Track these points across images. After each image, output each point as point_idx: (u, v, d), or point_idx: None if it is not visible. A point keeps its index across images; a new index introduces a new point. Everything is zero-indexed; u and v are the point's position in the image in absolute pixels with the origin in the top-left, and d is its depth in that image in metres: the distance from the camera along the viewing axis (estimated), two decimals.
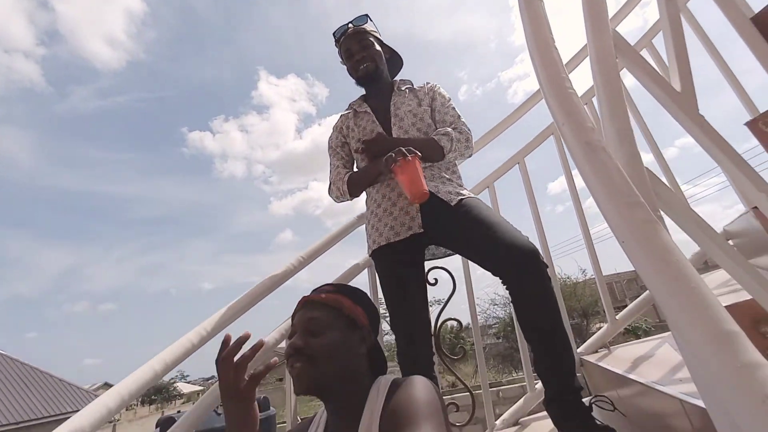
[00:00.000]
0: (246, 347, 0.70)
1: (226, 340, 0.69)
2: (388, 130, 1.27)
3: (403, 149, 1.09)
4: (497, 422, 1.37)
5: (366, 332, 0.80)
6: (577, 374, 1.36)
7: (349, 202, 1.32)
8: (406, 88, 1.36)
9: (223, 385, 0.67)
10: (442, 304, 1.45)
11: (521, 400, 1.40)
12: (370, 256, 1.27)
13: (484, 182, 1.66)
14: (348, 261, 1.44)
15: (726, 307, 0.66)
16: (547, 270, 0.98)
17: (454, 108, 1.34)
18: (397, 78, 1.44)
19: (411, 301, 1.15)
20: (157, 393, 35.48)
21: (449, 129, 1.25)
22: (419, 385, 0.70)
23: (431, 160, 1.22)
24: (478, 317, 1.51)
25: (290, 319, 0.85)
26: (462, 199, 1.13)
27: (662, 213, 0.57)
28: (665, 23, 0.80)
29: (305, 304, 0.81)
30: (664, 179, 0.98)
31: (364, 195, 1.33)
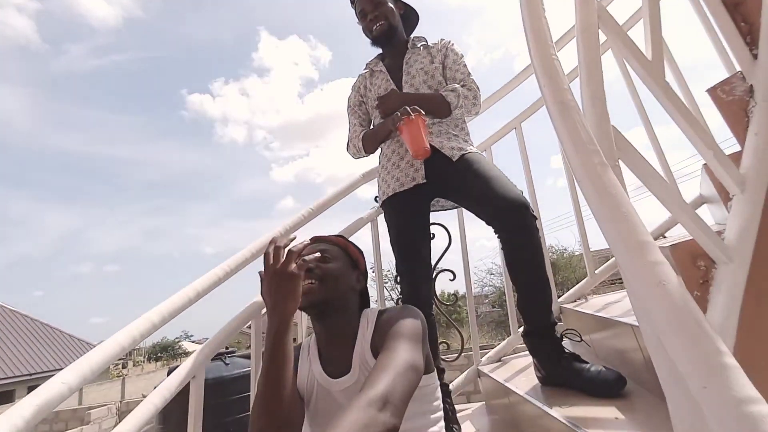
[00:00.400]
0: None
1: (273, 240, 0.76)
2: (401, 88, 1.36)
3: (408, 108, 1.18)
4: (482, 359, 1.54)
5: (362, 275, 0.94)
6: (559, 322, 1.52)
7: (365, 158, 1.47)
8: (421, 45, 1.42)
9: (275, 268, 0.73)
10: (439, 255, 1.60)
11: (505, 341, 1.57)
12: (380, 207, 1.40)
13: (482, 145, 1.76)
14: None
15: (671, 246, 0.80)
16: (535, 222, 1.11)
17: (465, 65, 1.39)
18: (413, 35, 1.48)
19: (416, 247, 1.28)
20: (162, 351, 36.81)
21: (457, 86, 1.31)
22: (405, 309, 0.83)
23: (438, 116, 1.30)
24: (474, 286, 1.66)
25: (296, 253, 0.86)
26: (464, 154, 1.24)
27: (621, 163, 0.69)
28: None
29: (317, 240, 0.93)
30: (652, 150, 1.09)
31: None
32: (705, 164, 0.90)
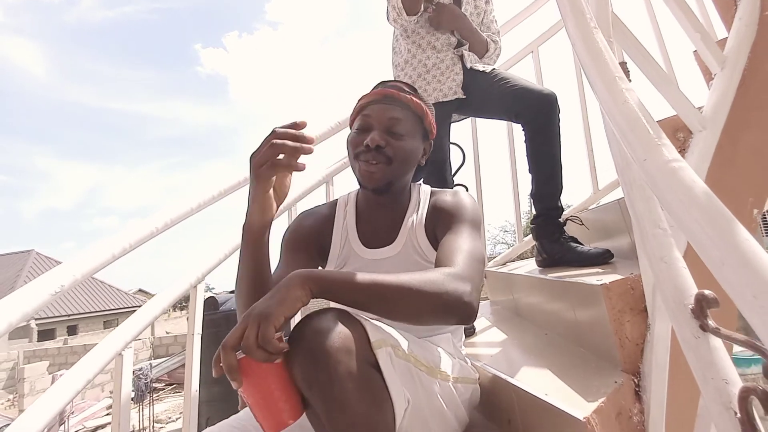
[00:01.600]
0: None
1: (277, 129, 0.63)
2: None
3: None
4: (490, 263, 1.72)
5: (430, 146, 0.85)
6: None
7: None
8: None
9: (264, 156, 0.60)
10: (454, 171, 1.74)
11: (510, 249, 1.73)
12: None
13: (503, 66, 1.84)
14: None
15: (657, 121, 0.92)
16: (560, 116, 1.24)
17: (496, 23, 1.53)
18: None
19: (445, 153, 1.43)
20: (187, 301, 38.77)
21: (497, 39, 1.49)
22: (462, 193, 0.82)
23: (473, 51, 1.44)
24: (488, 243, 1.80)
25: (356, 108, 0.83)
26: (494, 69, 1.41)
27: (613, 40, 0.80)
28: None
29: (388, 98, 0.79)
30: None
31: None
32: (695, 51, 0.99)
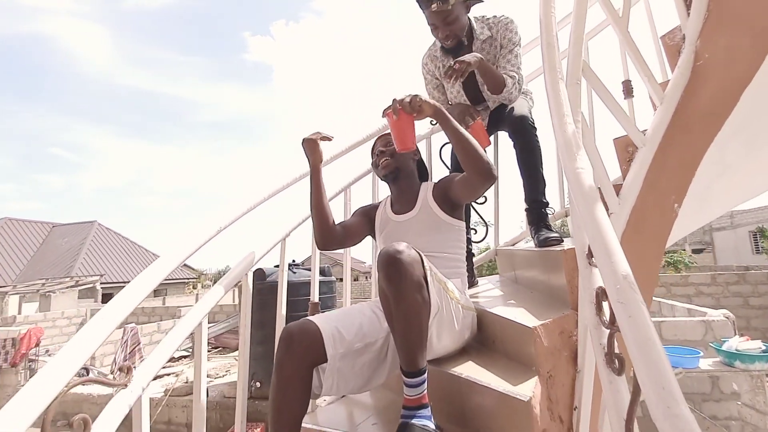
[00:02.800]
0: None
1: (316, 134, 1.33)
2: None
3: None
4: (501, 243, 2.10)
5: (417, 153, 1.43)
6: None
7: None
8: (485, 39, 1.61)
9: (310, 143, 1.31)
10: None
11: (518, 234, 2.10)
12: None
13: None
14: None
15: (613, 139, 1.28)
16: (535, 131, 1.60)
17: (516, 56, 1.62)
18: (474, 16, 1.61)
19: None
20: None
21: (514, 76, 1.58)
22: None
23: (491, 89, 1.59)
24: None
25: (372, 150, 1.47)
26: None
27: (582, 80, 1.16)
28: None
29: (383, 137, 1.45)
30: None
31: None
32: (624, 81, 1.31)
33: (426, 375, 0.98)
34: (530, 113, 1.64)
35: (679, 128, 1.15)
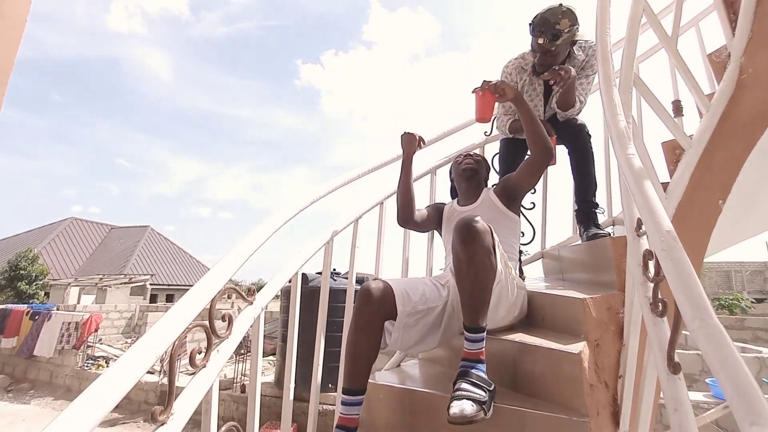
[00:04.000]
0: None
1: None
2: (546, 101, 1.87)
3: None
4: (547, 246, 2.22)
5: (488, 172, 1.74)
6: None
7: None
8: (579, 62, 1.73)
9: (409, 137, 1.66)
10: None
11: (566, 239, 2.21)
12: (502, 139, 2.09)
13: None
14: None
15: (662, 142, 1.43)
16: (590, 138, 1.76)
17: (590, 83, 1.80)
18: (579, 42, 1.70)
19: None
20: (259, 290, 41.91)
21: (583, 101, 1.79)
22: None
23: (562, 106, 1.77)
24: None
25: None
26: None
27: (634, 89, 1.33)
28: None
29: (469, 154, 1.72)
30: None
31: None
32: (673, 101, 1.45)
33: (485, 334, 1.14)
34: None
35: (723, 133, 1.28)
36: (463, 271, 1.14)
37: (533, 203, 2.31)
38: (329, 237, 1.49)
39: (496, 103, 1.66)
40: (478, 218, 1.15)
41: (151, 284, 15.64)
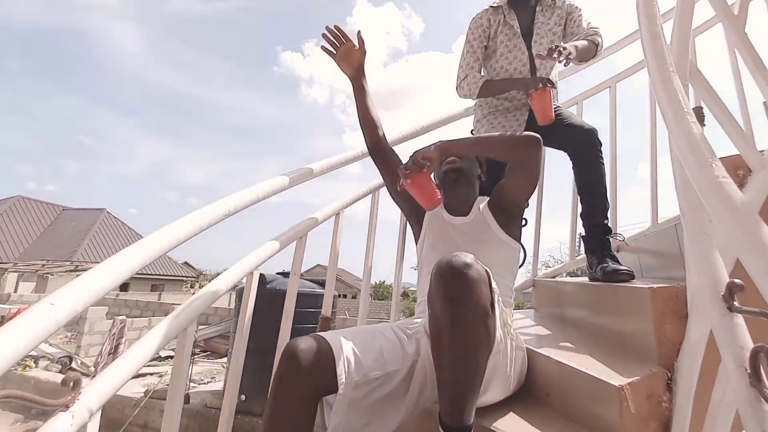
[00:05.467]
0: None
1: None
2: (528, 45, 1.53)
3: (545, 79, 1.32)
4: (540, 273, 1.84)
5: (483, 174, 1.30)
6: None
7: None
8: (552, 1, 1.56)
9: (340, 56, 1.30)
10: None
11: (562, 264, 1.84)
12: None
13: (574, 99, 1.97)
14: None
15: (720, 158, 1.04)
16: (601, 146, 1.39)
17: (588, 22, 1.56)
18: None
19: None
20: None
21: (598, 29, 1.52)
22: None
23: (584, 58, 1.45)
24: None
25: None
26: (557, 106, 1.53)
27: (689, 84, 0.94)
28: None
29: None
30: None
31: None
32: (764, 102, 1.09)
33: None
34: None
35: None
36: (443, 345, 0.73)
37: (525, 219, 1.93)
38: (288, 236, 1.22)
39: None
40: (470, 260, 0.74)
41: None
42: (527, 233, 1.87)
